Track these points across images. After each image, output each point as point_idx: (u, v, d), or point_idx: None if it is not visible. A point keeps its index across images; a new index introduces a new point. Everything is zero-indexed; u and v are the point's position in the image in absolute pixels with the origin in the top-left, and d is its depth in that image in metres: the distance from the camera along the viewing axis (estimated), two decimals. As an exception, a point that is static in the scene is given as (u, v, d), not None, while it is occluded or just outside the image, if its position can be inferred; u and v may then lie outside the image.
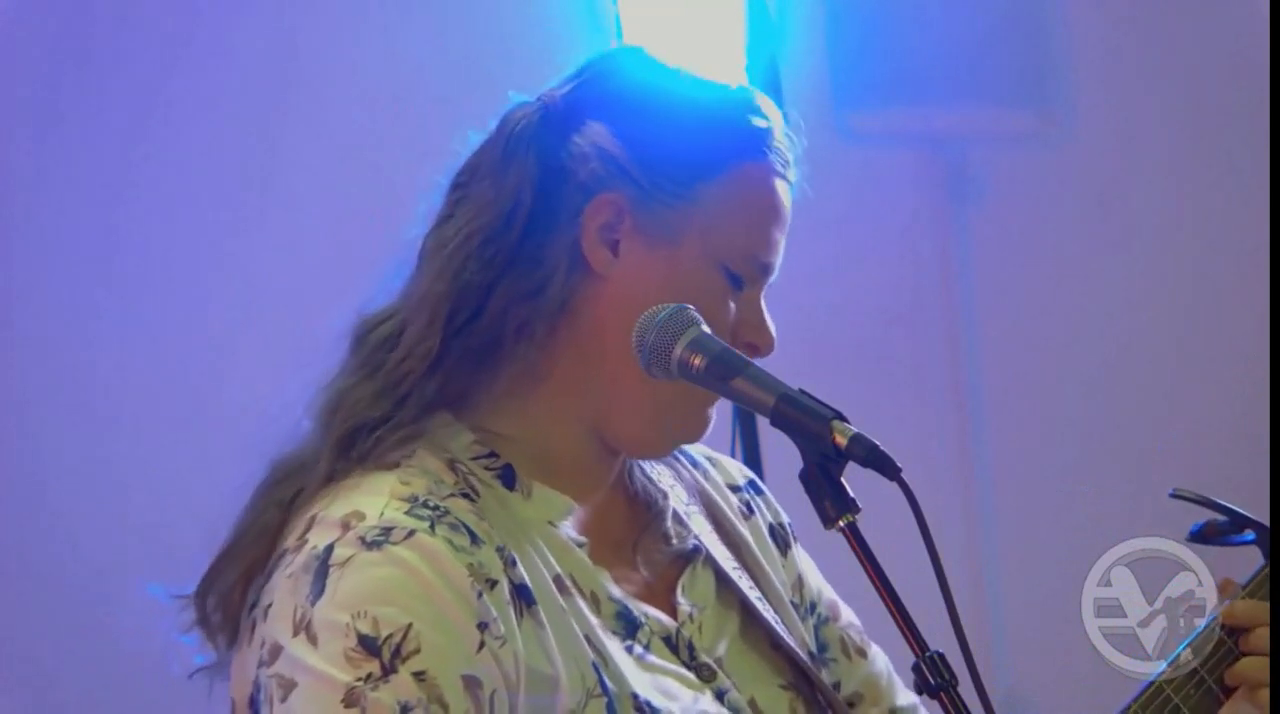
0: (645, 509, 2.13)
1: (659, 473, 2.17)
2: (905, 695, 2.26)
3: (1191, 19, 4.27)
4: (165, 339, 3.72)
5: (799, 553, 2.26)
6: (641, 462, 2.15)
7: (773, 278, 2.08)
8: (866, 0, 4.22)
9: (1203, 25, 4.26)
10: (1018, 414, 4.28)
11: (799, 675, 2.13)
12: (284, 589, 1.91)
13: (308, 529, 1.94)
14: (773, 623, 2.13)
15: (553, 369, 2.04)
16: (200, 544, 2.04)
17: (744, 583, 2.14)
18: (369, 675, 1.84)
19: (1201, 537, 2.14)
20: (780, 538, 2.25)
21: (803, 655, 2.13)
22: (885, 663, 2.27)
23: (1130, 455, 4.22)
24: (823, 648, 2.24)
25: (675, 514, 2.14)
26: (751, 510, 2.24)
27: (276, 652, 1.89)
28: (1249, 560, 2.15)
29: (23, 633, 3.63)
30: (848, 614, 2.27)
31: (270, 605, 1.92)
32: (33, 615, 3.63)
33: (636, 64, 2.08)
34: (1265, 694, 2.10)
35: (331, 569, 1.89)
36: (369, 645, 1.85)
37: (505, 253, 2.01)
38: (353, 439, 1.99)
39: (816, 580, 2.26)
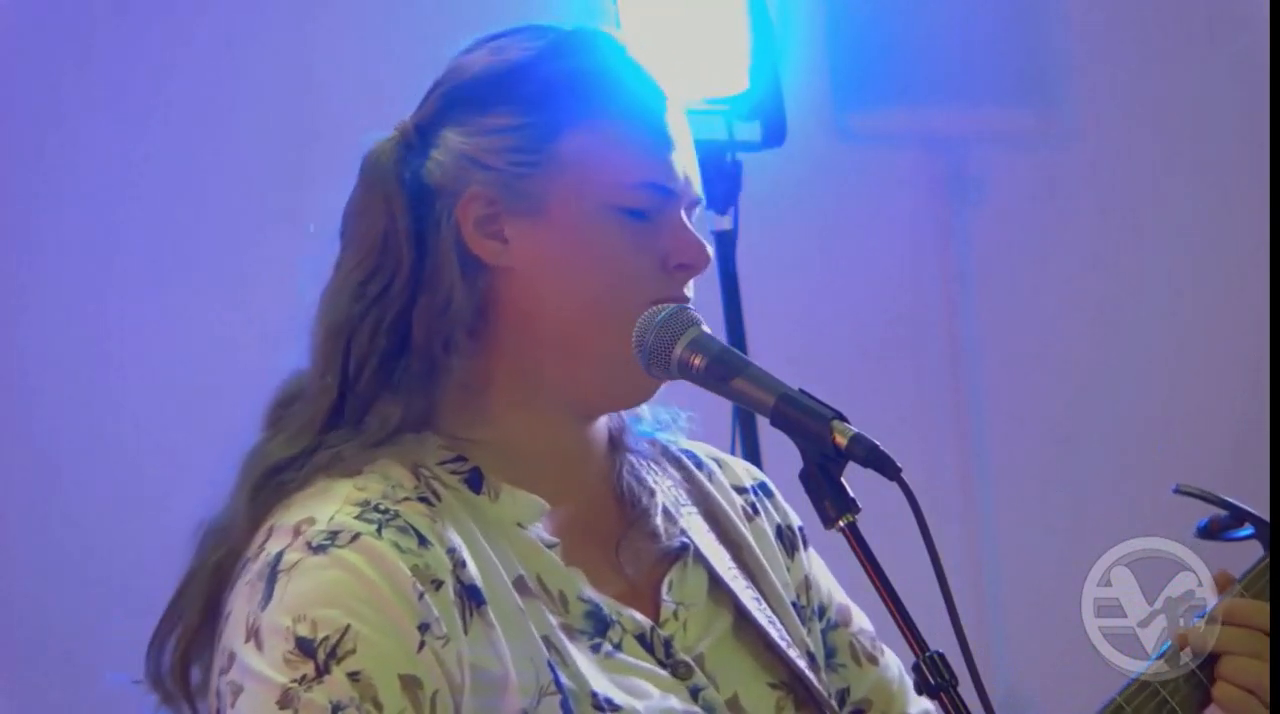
0: (631, 508, 2.12)
1: (652, 471, 2.16)
2: (918, 704, 2.24)
3: (1191, 19, 4.26)
4: (167, 340, 3.72)
5: (810, 556, 2.25)
6: (634, 461, 2.14)
7: (693, 199, 2.07)
8: (866, 1, 4.23)
9: (1203, 25, 4.26)
10: (1017, 414, 4.28)
11: (792, 676, 2.12)
12: (242, 596, 1.94)
13: (267, 538, 1.96)
14: (766, 623, 2.12)
15: (494, 369, 2.04)
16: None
17: (739, 583, 2.13)
18: (304, 677, 1.87)
19: (1208, 532, 2.14)
20: (788, 540, 2.24)
21: (796, 656, 2.13)
22: (899, 671, 2.24)
23: (1130, 455, 4.22)
24: (831, 653, 2.22)
25: (665, 511, 2.13)
26: (756, 511, 2.23)
27: (231, 658, 1.92)
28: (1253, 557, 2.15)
29: (23, 633, 3.63)
30: (860, 620, 2.25)
31: (230, 613, 1.95)
32: (33, 616, 3.63)
33: (470, 58, 2.10)
34: (1223, 689, 2.09)
35: (280, 575, 1.91)
36: (305, 648, 1.87)
37: (401, 282, 2.02)
38: (267, 480, 2.00)
39: (828, 584, 2.25)
